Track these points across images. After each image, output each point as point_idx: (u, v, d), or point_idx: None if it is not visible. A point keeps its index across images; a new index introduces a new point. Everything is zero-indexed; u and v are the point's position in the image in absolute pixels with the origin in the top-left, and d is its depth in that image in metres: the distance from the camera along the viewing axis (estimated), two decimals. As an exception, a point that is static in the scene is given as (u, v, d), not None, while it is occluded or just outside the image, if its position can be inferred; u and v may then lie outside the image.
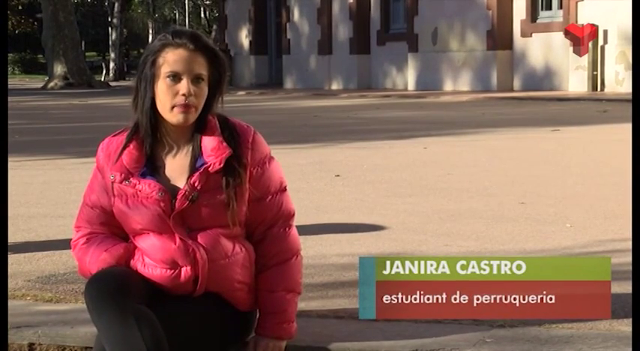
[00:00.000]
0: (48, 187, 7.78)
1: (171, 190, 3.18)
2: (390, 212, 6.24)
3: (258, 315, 3.32)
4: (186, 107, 3.15)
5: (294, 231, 3.34)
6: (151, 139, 3.21)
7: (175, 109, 3.15)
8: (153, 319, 3.01)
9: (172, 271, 3.17)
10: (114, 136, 3.29)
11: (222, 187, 3.17)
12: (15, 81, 48.75)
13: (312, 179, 8.02)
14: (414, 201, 6.76)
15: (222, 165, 3.17)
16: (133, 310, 2.98)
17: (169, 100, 3.15)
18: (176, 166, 3.23)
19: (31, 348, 3.51)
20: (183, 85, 3.14)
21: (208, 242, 3.18)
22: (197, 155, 3.21)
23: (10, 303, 3.81)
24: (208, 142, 3.20)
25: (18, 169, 8.85)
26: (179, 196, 3.16)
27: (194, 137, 3.23)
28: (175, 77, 3.15)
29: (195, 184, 3.17)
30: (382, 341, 3.31)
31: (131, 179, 3.19)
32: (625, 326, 3.44)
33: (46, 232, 5.64)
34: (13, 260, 4.78)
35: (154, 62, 3.17)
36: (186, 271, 3.17)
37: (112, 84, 40.53)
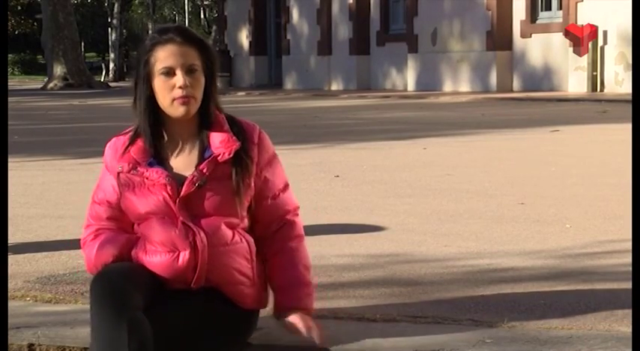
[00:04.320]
0: (47, 188, 7.78)
1: (178, 179, 3.22)
2: (390, 213, 6.24)
3: (266, 307, 3.34)
4: (185, 99, 3.19)
5: (300, 219, 3.43)
6: (151, 138, 3.25)
7: (175, 102, 3.20)
8: (146, 329, 3.01)
9: (171, 255, 3.19)
10: (120, 134, 3.35)
11: (229, 177, 3.23)
12: (14, 82, 48.77)
13: (312, 180, 8.02)
14: (413, 201, 6.76)
15: (231, 155, 3.22)
16: (128, 316, 2.99)
17: (167, 95, 3.20)
18: (184, 160, 3.28)
19: (30, 348, 3.51)
20: (179, 78, 3.19)
21: (209, 227, 3.21)
22: (205, 148, 3.26)
23: (10, 303, 3.82)
24: (217, 137, 3.26)
25: (17, 169, 8.85)
26: (186, 182, 3.21)
27: (202, 133, 3.27)
28: (169, 72, 3.20)
29: (204, 171, 3.21)
30: (382, 341, 3.32)
31: (139, 168, 3.24)
32: (625, 327, 3.44)
33: (46, 233, 5.64)
34: (13, 261, 4.78)
35: (147, 62, 3.22)
36: (184, 255, 3.19)
37: (112, 84, 40.53)
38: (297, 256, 3.34)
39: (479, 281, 4.22)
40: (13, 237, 5.38)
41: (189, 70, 3.20)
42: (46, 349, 3.50)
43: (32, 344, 3.51)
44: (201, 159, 3.25)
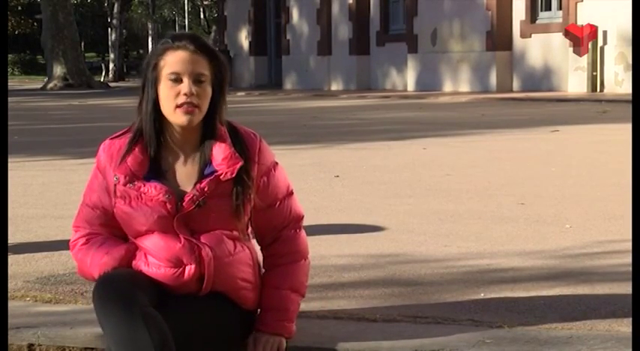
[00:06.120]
0: (47, 188, 7.77)
1: (177, 194, 3.19)
2: (390, 213, 6.24)
3: (259, 312, 3.33)
4: (189, 107, 3.16)
5: (303, 234, 3.38)
6: (155, 143, 3.22)
7: (178, 109, 3.16)
8: (161, 321, 3.00)
9: (176, 269, 3.18)
10: (116, 137, 3.29)
11: (229, 194, 3.20)
12: (14, 82, 48.76)
13: (312, 180, 8.01)
14: (413, 202, 6.76)
15: (234, 175, 3.19)
16: (141, 312, 2.98)
17: (172, 101, 3.17)
18: (183, 172, 3.24)
19: (30, 349, 3.51)
20: (185, 85, 3.16)
21: (212, 241, 3.20)
22: (207, 163, 3.22)
23: (10, 304, 3.82)
24: (219, 151, 3.21)
25: (17, 169, 8.85)
26: (186, 199, 3.18)
27: (204, 144, 3.23)
28: (176, 78, 3.16)
29: (205, 190, 3.18)
30: (382, 341, 3.31)
31: (136, 182, 3.20)
32: (625, 327, 3.44)
33: (46, 233, 5.63)
34: (13, 261, 4.78)
35: (156, 66, 3.19)
36: (190, 269, 3.18)
37: (112, 85, 40.55)
38: (284, 277, 3.30)
39: (479, 281, 4.22)
40: (13, 237, 5.38)
41: (196, 79, 3.16)
42: (46, 349, 3.50)
43: (32, 344, 3.51)
44: (201, 174, 3.21)
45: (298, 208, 3.39)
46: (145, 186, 3.19)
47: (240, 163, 3.20)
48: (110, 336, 2.99)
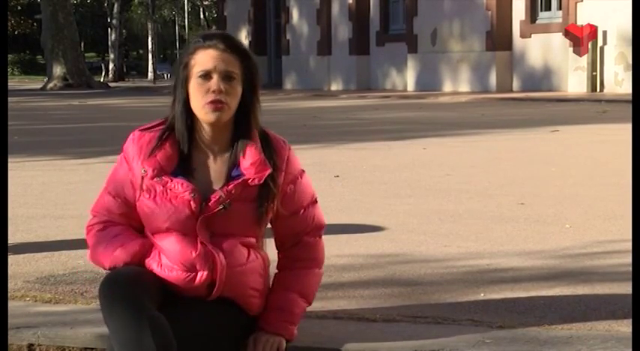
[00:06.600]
0: (47, 188, 7.77)
1: (202, 192, 3.19)
2: (390, 213, 6.24)
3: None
4: (217, 104, 3.16)
5: (322, 243, 3.40)
6: (187, 141, 3.22)
7: (207, 106, 3.16)
8: (166, 325, 2.99)
9: (188, 273, 3.17)
10: (146, 128, 3.28)
11: (254, 199, 3.20)
12: (14, 82, 48.77)
13: (312, 180, 7.99)
14: (413, 202, 6.76)
15: (261, 182, 3.20)
16: (147, 315, 2.97)
17: (201, 99, 3.17)
18: (210, 171, 3.24)
19: (30, 349, 3.51)
20: (214, 82, 3.16)
21: (227, 248, 3.19)
22: (235, 164, 3.22)
23: (10, 304, 3.82)
24: (248, 156, 3.21)
25: (17, 169, 8.84)
26: (213, 199, 3.17)
27: (236, 145, 3.23)
28: (206, 76, 3.17)
29: (232, 192, 3.18)
30: (382, 341, 3.31)
31: (163, 177, 3.19)
32: (625, 327, 3.44)
33: (46, 233, 5.63)
34: (13, 261, 4.78)
35: (187, 65, 3.20)
36: (202, 275, 3.17)
37: (112, 85, 40.55)
38: (296, 280, 3.31)
39: (479, 281, 4.22)
40: (13, 237, 5.38)
41: (226, 77, 3.16)
42: (46, 349, 3.50)
43: (32, 344, 3.51)
44: (228, 176, 3.21)
45: (321, 217, 3.40)
46: (171, 182, 3.19)
47: (269, 171, 3.21)
48: (114, 336, 2.99)
